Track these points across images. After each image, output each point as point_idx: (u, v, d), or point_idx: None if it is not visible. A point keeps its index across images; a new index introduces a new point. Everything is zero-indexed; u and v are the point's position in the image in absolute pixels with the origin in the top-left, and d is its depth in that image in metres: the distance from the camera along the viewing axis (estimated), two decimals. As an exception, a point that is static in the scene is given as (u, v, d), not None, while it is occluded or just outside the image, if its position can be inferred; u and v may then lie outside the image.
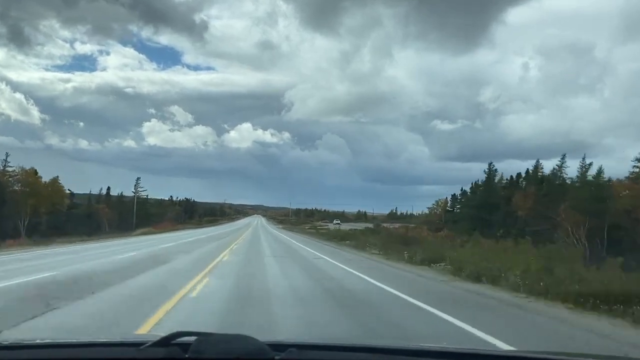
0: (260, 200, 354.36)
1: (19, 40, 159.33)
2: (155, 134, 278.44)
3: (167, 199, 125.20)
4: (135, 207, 66.99)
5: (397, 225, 65.50)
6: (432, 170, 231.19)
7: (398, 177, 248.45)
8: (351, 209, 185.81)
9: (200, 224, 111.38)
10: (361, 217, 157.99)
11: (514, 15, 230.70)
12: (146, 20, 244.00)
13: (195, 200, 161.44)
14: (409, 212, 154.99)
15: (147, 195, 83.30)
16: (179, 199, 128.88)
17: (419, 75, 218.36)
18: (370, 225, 66.63)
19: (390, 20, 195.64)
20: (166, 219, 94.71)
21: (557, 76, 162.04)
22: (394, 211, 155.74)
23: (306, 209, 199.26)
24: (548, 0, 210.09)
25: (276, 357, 1.64)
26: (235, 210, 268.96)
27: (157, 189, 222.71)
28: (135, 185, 79.14)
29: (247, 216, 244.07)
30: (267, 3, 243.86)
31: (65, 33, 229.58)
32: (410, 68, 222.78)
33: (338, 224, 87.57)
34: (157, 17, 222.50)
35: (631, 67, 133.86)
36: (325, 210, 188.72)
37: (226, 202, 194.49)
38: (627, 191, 34.83)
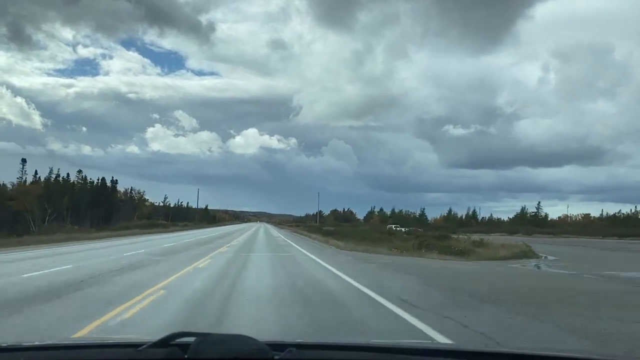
0: (263, 207, 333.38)
1: (20, 42, 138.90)
2: (159, 139, 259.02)
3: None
4: None
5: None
6: (440, 177, 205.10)
7: (406, 183, 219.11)
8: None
9: (106, 231, 46.51)
10: (469, 221, 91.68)
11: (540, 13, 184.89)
12: (150, 22, 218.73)
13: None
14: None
15: None
16: (94, 182, 63.44)
17: (432, 77, 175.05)
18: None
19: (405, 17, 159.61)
20: None
21: (579, 79, 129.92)
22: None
23: (335, 210, 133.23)
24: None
25: (275, 357, 1.60)
26: (233, 216, 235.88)
27: (159, 196, 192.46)
28: None
29: (244, 222, 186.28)
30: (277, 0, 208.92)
31: (68, 36, 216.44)
32: (423, 69, 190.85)
33: (399, 228, 70.18)
34: (162, 18, 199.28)
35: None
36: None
37: (208, 206, 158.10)
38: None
